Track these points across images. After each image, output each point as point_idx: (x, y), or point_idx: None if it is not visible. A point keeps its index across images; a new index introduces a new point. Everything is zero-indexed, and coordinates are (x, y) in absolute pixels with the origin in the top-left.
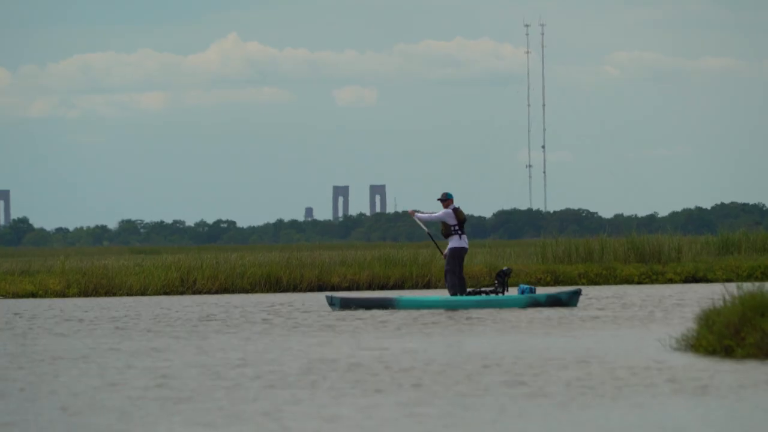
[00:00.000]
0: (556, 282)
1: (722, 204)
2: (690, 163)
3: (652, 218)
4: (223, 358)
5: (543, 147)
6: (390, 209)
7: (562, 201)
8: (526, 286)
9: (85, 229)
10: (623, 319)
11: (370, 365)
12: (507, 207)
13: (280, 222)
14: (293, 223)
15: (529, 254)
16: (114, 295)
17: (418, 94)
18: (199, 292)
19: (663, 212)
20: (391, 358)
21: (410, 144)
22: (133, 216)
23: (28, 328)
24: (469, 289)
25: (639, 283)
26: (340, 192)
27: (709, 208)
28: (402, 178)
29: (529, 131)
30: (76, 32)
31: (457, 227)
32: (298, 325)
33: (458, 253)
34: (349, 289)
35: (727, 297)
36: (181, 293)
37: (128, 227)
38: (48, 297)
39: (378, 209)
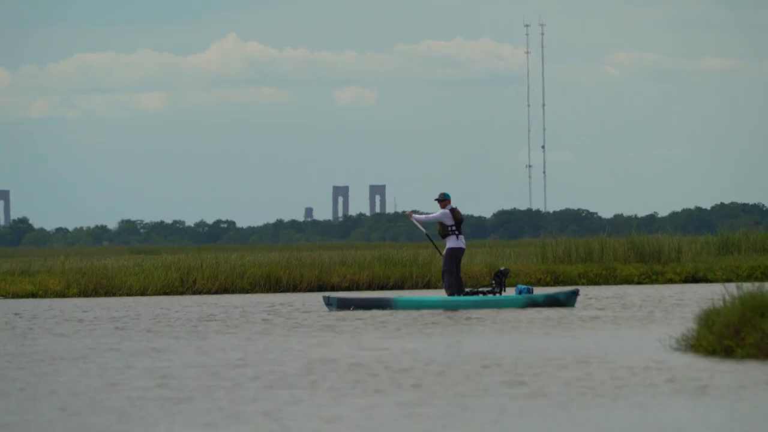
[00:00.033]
0: (556, 282)
1: (722, 204)
2: (690, 163)
3: (651, 218)
4: (223, 358)
5: (543, 147)
6: (390, 209)
7: (562, 201)
8: (523, 287)
9: (84, 229)
10: (623, 319)
11: (370, 365)
12: (507, 207)
13: (279, 222)
14: (293, 224)
15: (529, 254)
16: (114, 295)
17: (418, 94)
18: (199, 293)
19: (663, 212)
20: (391, 358)
21: (410, 144)
22: (133, 216)
23: (28, 329)
24: (466, 290)
25: (639, 283)
26: (340, 192)
27: (709, 208)
28: (402, 178)
29: (529, 131)
30: (76, 32)
31: (454, 227)
32: (298, 326)
33: (455, 254)
34: (349, 289)
35: (727, 297)
36: (181, 293)
37: (128, 227)
38: (48, 297)
39: (378, 209)
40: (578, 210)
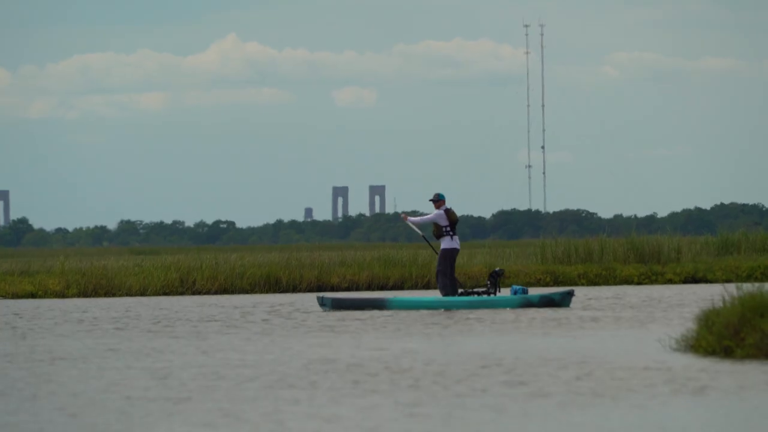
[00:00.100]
0: (556, 282)
1: (722, 204)
2: (690, 163)
3: (651, 218)
4: (223, 358)
5: (542, 147)
6: (389, 210)
7: (562, 201)
8: (518, 287)
9: (84, 229)
10: (623, 319)
11: (370, 366)
12: (506, 207)
13: (279, 222)
14: (293, 224)
15: (529, 255)
16: (114, 295)
17: (418, 95)
18: (199, 293)
19: (662, 212)
20: (390, 358)
21: (410, 144)
22: (133, 216)
23: (28, 329)
24: (460, 290)
25: (638, 283)
26: (340, 192)
27: (708, 208)
28: (402, 179)
29: (528, 131)
30: (76, 32)
31: (448, 228)
32: (297, 326)
33: (449, 254)
34: (348, 289)
35: (727, 297)
36: (181, 294)
37: (128, 228)
38: (48, 297)
39: (377, 210)
40: (578, 210)
